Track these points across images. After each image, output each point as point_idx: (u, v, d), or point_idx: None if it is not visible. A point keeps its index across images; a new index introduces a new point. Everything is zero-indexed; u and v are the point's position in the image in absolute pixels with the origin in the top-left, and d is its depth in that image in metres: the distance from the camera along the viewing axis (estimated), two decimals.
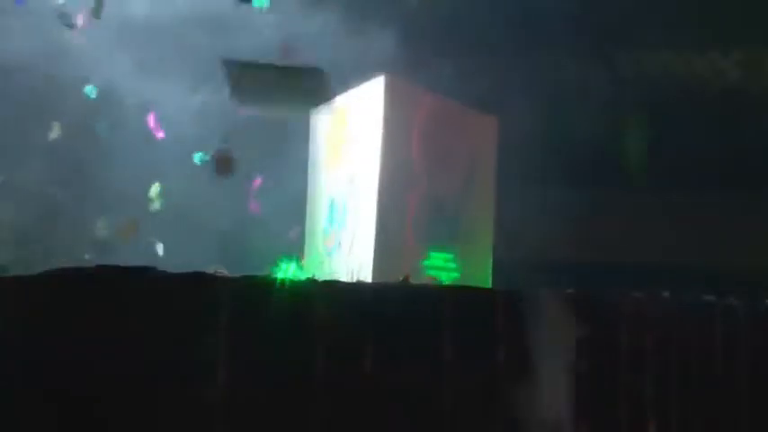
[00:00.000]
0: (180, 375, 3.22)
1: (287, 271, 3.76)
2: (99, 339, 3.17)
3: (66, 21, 5.55)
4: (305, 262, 4.71)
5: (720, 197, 7.35)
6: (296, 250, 4.71)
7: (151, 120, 5.70)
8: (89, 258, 5.53)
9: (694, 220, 7.33)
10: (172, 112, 5.87)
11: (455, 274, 4.47)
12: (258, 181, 5.79)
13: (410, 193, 4.46)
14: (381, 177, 4.36)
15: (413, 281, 4.08)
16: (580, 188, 6.34)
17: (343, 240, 4.57)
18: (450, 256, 4.29)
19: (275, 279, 3.54)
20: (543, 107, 5.57)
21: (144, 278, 3.31)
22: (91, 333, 3.18)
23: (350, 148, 4.64)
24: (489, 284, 4.63)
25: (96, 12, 5.31)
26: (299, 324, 3.48)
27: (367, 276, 4.22)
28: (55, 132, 5.84)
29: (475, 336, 3.76)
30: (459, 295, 3.84)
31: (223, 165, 4.83)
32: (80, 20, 5.63)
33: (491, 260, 4.77)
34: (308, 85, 4.94)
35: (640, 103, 6.89)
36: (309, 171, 4.89)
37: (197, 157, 5.79)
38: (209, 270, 3.49)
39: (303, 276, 3.76)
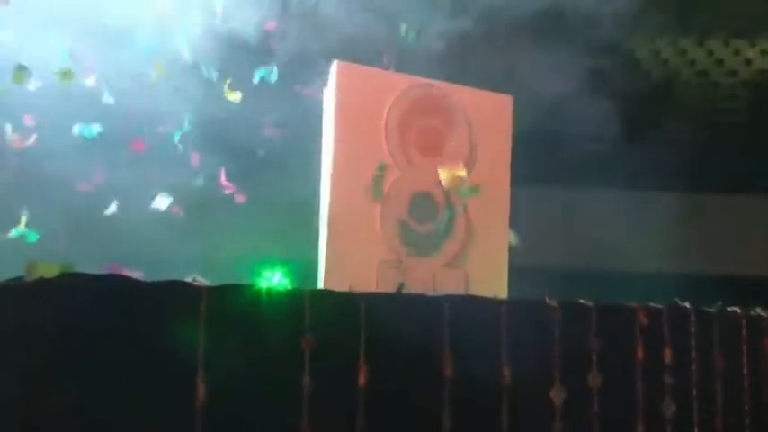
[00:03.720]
0: (156, 386, 3.12)
1: (271, 279, 3.47)
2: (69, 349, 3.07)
3: None
4: None
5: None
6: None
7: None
8: None
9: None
10: None
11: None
12: None
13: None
14: (335, 169, 4.04)
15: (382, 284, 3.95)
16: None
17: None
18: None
19: (257, 287, 3.36)
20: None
21: (117, 285, 3.19)
22: (58, 342, 3.07)
23: (326, 140, 4.36)
24: (504, 291, 4.21)
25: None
26: (283, 334, 3.34)
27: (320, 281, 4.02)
28: None
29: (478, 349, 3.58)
30: (461, 305, 3.62)
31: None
32: None
33: (506, 262, 4.33)
34: None
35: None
36: None
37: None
38: (188, 278, 3.30)
39: (289, 284, 3.50)
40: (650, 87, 6.53)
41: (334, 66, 4.13)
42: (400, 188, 4.19)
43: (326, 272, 3.95)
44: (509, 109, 4.42)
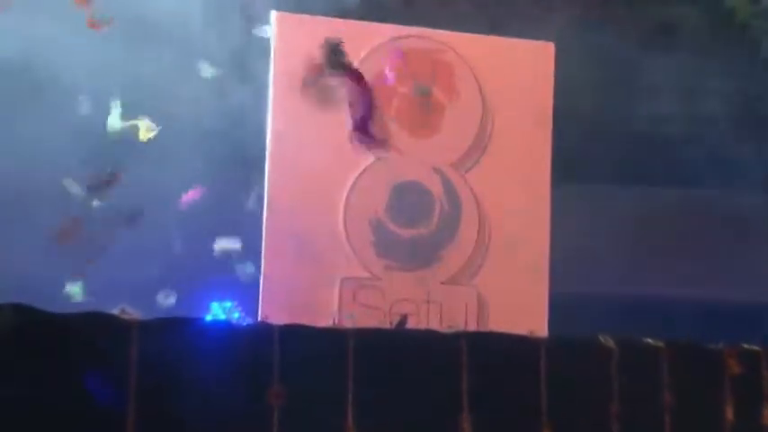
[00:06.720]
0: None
1: (221, 311, 3.22)
2: None
3: None
4: None
5: None
6: None
7: None
8: None
9: None
10: None
11: None
12: None
13: (345, 176, 3.50)
14: (271, 157, 3.46)
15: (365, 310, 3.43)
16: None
17: None
18: None
19: (205, 322, 3.04)
20: None
21: (24, 319, 2.86)
22: None
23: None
24: (543, 324, 3.59)
25: None
26: (244, 385, 2.95)
27: None
28: None
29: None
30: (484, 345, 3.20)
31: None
32: None
33: (545, 280, 3.69)
34: None
35: None
36: None
37: None
38: (115, 311, 2.98)
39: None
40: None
41: (273, 16, 3.56)
42: (375, 177, 3.58)
43: (263, 293, 3.42)
44: (551, 60, 3.75)
